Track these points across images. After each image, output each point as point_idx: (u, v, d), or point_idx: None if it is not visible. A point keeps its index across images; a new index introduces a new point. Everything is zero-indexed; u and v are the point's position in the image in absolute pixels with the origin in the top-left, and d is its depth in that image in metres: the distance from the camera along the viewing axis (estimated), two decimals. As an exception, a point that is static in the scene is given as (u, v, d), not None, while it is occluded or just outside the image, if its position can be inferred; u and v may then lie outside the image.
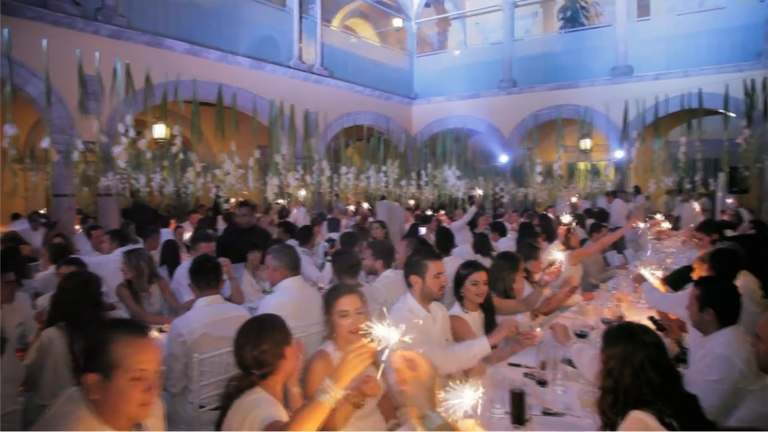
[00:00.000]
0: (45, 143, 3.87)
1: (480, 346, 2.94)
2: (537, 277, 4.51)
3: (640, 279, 4.20)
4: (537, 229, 6.93)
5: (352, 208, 11.40)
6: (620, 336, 2.01)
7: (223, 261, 4.36)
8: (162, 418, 2.07)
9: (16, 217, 10.32)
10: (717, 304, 2.75)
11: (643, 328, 2.07)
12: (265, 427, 1.98)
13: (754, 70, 11.41)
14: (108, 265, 5.33)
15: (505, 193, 13.23)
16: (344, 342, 2.50)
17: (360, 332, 2.44)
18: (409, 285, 3.20)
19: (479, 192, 10.81)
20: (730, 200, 10.70)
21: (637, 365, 1.91)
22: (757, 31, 11.65)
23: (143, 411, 1.71)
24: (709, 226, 5.48)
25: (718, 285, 2.87)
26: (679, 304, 3.29)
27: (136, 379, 1.67)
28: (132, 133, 4.32)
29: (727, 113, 5.37)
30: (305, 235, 6.67)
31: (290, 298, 3.68)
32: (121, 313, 4.18)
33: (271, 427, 1.96)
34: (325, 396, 1.77)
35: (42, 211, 10.64)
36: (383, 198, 9.12)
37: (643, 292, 4.02)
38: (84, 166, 8.01)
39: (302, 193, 6.58)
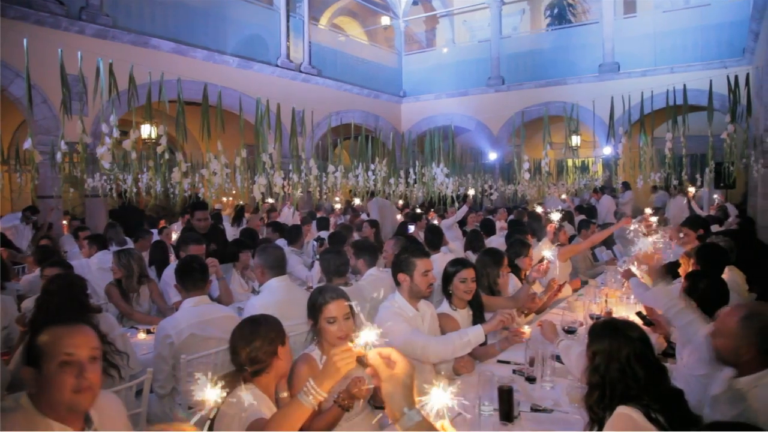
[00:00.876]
0: (27, 144, 3.82)
1: (474, 333, 2.97)
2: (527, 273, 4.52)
3: (629, 274, 4.22)
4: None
5: (339, 206, 11.39)
6: (605, 332, 2.02)
7: (211, 261, 4.33)
8: (122, 417, 2.03)
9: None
10: (703, 298, 2.77)
11: (628, 324, 2.08)
12: (249, 424, 2.00)
13: (738, 66, 11.54)
14: (90, 268, 5.30)
15: (494, 191, 13.26)
16: (331, 347, 2.50)
17: (347, 337, 2.45)
18: (398, 283, 3.20)
19: (471, 192, 10.83)
20: (716, 195, 10.81)
21: (623, 360, 1.92)
22: (741, 27, 11.76)
23: (80, 398, 1.69)
24: (696, 222, 5.51)
25: (704, 279, 2.90)
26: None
27: (64, 363, 1.66)
28: (116, 134, 4.27)
29: (712, 109, 5.41)
30: (294, 235, 6.66)
31: (275, 298, 3.66)
32: (109, 314, 4.14)
33: (254, 425, 1.98)
34: (307, 398, 1.77)
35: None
36: (372, 195, 9.09)
37: (631, 288, 4.03)
38: (69, 168, 7.93)
39: (299, 193, 6.54)
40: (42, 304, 3.11)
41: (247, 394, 2.07)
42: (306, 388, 1.77)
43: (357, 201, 10.50)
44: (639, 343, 1.97)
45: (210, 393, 1.48)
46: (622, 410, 1.85)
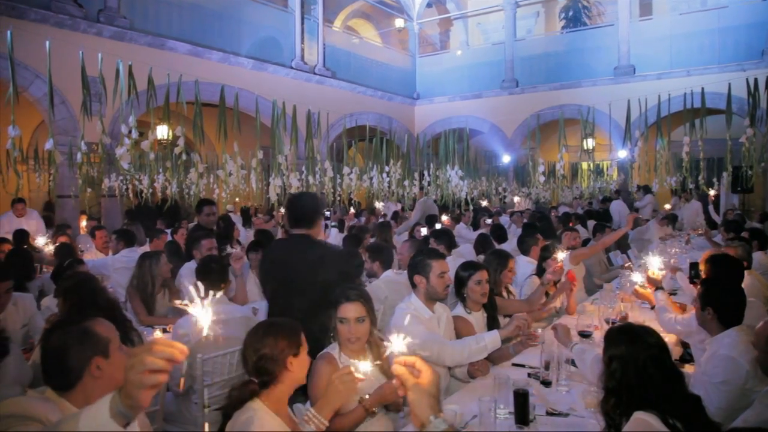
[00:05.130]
0: (49, 145, 3.88)
1: (491, 338, 2.98)
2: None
3: (656, 283, 4.17)
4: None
5: (351, 209, 11.41)
6: (622, 337, 2.01)
7: (238, 254, 4.42)
8: (140, 415, 2.06)
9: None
10: (717, 303, 2.76)
11: (645, 329, 2.07)
12: None
13: (757, 69, 11.39)
14: (114, 265, 5.35)
15: (508, 193, 13.23)
16: (344, 347, 2.52)
17: (357, 340, 2.47)
18: (414, 285, 3.20)
19: (484, 203, 10.80)
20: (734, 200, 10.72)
21: (640, 366, 1.91)
22: (759, 30, 11.64)
23: None
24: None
25: (718, 285, 2.88)
26: (686, 329, 3.30)
27: None
28: (135, 135, 4.32)
29: (731, 112, 5.35)
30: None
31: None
32: (126, 313, 4.18)
33: None
34: (309, 426, 1.77)
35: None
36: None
37: (657, 308, 3.89)
38: (87, 168, 8.04)
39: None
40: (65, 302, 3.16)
41: (255, 415, 1.96)
42: (307, 417, 1.77)
43: (379, 205, 10.40)
44: (656, 348, 1.96)
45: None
46: (639, 416, 1.84)
